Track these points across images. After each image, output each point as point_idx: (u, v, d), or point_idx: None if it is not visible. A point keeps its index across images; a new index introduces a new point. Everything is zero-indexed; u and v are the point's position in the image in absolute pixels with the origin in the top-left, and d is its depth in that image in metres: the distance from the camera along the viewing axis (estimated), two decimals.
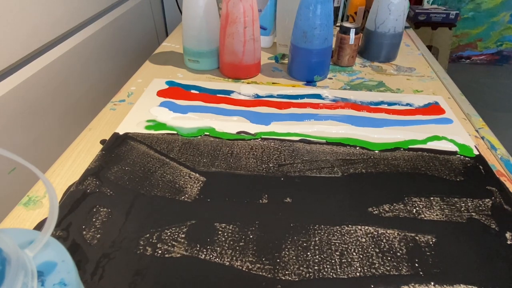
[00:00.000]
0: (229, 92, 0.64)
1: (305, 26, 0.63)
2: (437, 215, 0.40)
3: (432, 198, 0.43)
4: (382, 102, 0.62)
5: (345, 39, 0.72)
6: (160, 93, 0.63)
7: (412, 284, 0.33)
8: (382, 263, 0.35)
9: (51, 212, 0.21)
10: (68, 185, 0.43)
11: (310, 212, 0.40)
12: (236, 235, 0.37)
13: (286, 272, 0.34)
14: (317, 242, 0.37)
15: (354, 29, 0.71)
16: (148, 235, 0.37)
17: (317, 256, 0.36)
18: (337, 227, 0.39)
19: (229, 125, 0.55)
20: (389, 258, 0.36)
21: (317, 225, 0.39)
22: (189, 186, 0.43)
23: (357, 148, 0.51)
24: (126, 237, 0.37)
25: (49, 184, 0.20)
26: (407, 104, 0.62)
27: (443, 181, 0.45)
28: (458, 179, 0.46)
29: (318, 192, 0.43)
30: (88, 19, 0.77)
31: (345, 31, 0.72)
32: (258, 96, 0.63)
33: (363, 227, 0.39)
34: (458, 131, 0.55)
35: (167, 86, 0.65)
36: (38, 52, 0.63)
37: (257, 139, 0.52)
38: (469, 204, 0.42)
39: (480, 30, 2.37)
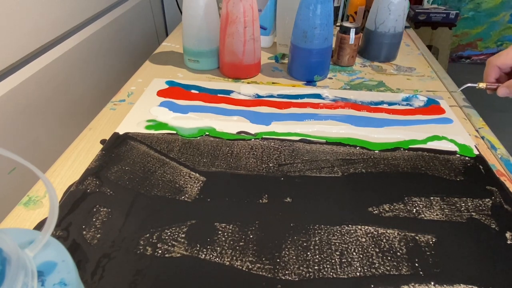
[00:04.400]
0: (229, 92, 0.64)
1: (305, 26, 0.63)
2: (437, 215, 0.40)
3: (432, 198, 0.43)
4: (382, 102, 0.62)
5: (345, 39, 0.72)
6: (160, 93, 0.63)
7: (412, 284, 0.33)
8: (382, 263, 0.35)
9: (51, 212, 0.21)
10: (68, 185, 0.43)
11: (310, 212, 0.40)
12: (236, 235, 0.37)
13: (286, 272, 0.34)
14: (317, 242, 0.37)
15: (354, 29, 0.71)
16: (148, 235, 0.37)
17: (317, 256, 0.36)
18: (337, 227, 0.39)
19: (229, 125, 0.55)
20: (389, 258, 0.36)
21: (317, 225, 0.39)
22: (189, 186, 0.43)
23: (357, 148, 0.51)
24: (126, 237, 0.37)
25: (49, 184, 0.20)
26: (407, 104, 0.62)
27: (443, 181, 0.45)
28: (458, 179, 0.46)
29: (318, 192, 0.43)
30: (88, 19, 0.77)
31: (345, 31, 0.72)
32: (258, 96, 0.63)
33: (363, 227, 0.39)
34: (458, 131, 0.55)
35: (167, 86, 0.65)
36: (38, 52, 0.63)
37: (258, 139, 0.52)
38: (469, 204, 0.42)
39: (480, 30, 2.37)
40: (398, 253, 0.36)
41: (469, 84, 0.58)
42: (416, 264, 0.35)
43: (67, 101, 0.70)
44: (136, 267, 0.34)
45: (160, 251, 0.35)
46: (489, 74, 0.57)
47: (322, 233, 0.38)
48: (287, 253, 0.36)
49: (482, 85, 0.57)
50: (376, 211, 0.41)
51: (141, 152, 0.48)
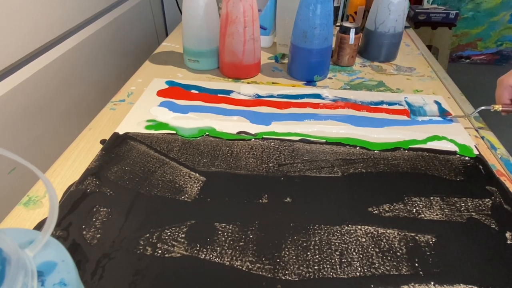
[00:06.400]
0: (229, 92, 0.64)
1: (305, 25, 0.63)
2: (437, 215, 0.40)
3: (432, 198, 0.43)
4: (382, 102, 0.62)
5: (345, 38, 0.72)
6: (160, 93, 0.63)
7: (412, 284, 0.33)
8: (382, 263, 0.35)
9: (51, 212, 0.21)
10: (68, 185, 0.43)
11: (310, 212, 0.40)
12: (236, 235, 0.37)
13: (286, 272, 0.34)
14: (317, 242, 0.37)
15: (354, 29, 0.71)
16: (148, 235, 0.37)
17: (317, 256, 0.36)
18: (337, 227, 0.39)
19: (229, 125, 0.55)
20: (389, 258, 0.36)
21: (317, 225, 0.39)
22: (189, 186, 0.43)
23: (357, 148, 0.51)
24: (126, 237, 0.37)
25: (49, 184, 0.20)
26: (407, 104, 0.62)
27: (443, 181, 0.45)
28: (458, 179, 0.46)
29: (318, 192, 0.43)
30: (88, 19, 0.77)
31: (345, 30, 0.72)
32: (258, 96, 0.63)
33: (363, 227, 0.39)
34: (458, 131, 0.55)
35: (167, 86, 0.65)
36: (38, 52, 0.63)
37: (258, 139, 0.52)
38: (469, 204, 0.42)
39: (480, 30, 2.37)
40: (398, 253, 0.36)
41: (482, 107, 0.56)
42: (416, 264, 0.35)
43: (67, 101, 0.70)
44: (136, 267, 0.34)
45: (160, 251, 0.35)
46: (503, 95, 0.53)
47: (322, 233, 0.38)
48: (287, 253, 0.36)
49: (497, 107, 0.54)
50: (376, 211, 0.41)
51: (141, 152, 0.48)
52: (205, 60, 0.71)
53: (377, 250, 0.36)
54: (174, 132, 0.53)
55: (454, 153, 0.50)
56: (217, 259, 0.35)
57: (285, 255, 0.35)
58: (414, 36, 0.97)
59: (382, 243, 0.37)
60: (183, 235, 0.37)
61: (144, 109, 0.58)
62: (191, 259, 0.35)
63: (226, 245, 0.36)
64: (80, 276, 0.25)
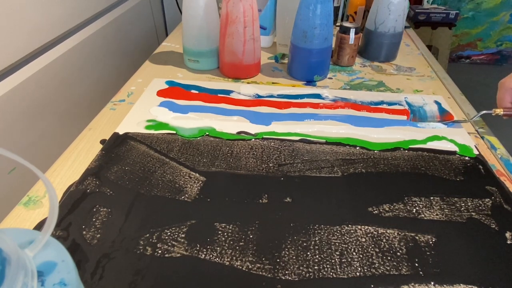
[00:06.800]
0: (229, 92, 0.64)
1: (305, 25, 0.63)
2: (437, 215, 0.40)
3: (432, 198, 0.43)
4: (382, 102, 0.62)
5: (345, 38, 0.72)
6: (160, 93, 0.63)
7: (412, 284, 0.33)
8: (382, 263, 0.35)
9: (51, 212, 0.21)
10: (68, 185, 0.43)
11: (310, 212, 0.40)
12: (236, 235, 0.37)
13: (286, 272, 0.34)
14: (317, 242, 0.37)
15: (354, 29, 0.71)
16: (148, 235, 0.37)
17: (317, 256, 0.36)
18: (337, 227, 0.39)
19: (229, 125, 0.55)
20: (389, 258, 0.36)
21: (317, 225, 0.39)
22: (189, 186, 0.43)
23: (357, 148, 0.51)
24: (126, 237, 0.37)
25: (49, 184, 0.20)
26: (407, 104, 0.62)
27: (443, 181, 0.45)
28: (458, 179, 0.46)
29: (318, 192, 0.43)
30: (88, 19, 0.77)
31: (345, 30, 0.72)
32: (258, 96, 0.63)
33: (363, 227, 0.39)
34: (458, 131, 0.55)
35: (167, 86, 0.65)
36: (38, 52, 0.63)
37: (258, 139, 0.52)
38: (469, 204, 0.42)
39: (480, 30, 2.37)
40: (398, 253, 0.36)
41: (484, 112, 0.54)
42: (416, 264, 0.35)
43: (67, 101, 0.70)
44: (136, 267, 0.34)
45: (160, 251, 0.35)
46: (504, 98, 0.52)
47: (322, 233, 0.38)
48: (287, 253, 0.36)
49: (498, 111, 0.52)
50: (376, 211, 0.41)
51: (141, 152, 0.48)
52: (205, 60, 0.71)
53: (377, 250, 0.36)
54: (174, 132, 0.53)
55: (454, 153, 0.50)
56: (217, 259, 0.35)
57: (285, 255, 0.35)
58: (414, 36, 0.97)
59: (382, 243, 0.37)
60: (183, 235, 0.37)
61: (144, 109, 0.58)
62: (191, 259, 0.35)
63: (226, 245, 0.36)
64: (80, 276, 0.25)
